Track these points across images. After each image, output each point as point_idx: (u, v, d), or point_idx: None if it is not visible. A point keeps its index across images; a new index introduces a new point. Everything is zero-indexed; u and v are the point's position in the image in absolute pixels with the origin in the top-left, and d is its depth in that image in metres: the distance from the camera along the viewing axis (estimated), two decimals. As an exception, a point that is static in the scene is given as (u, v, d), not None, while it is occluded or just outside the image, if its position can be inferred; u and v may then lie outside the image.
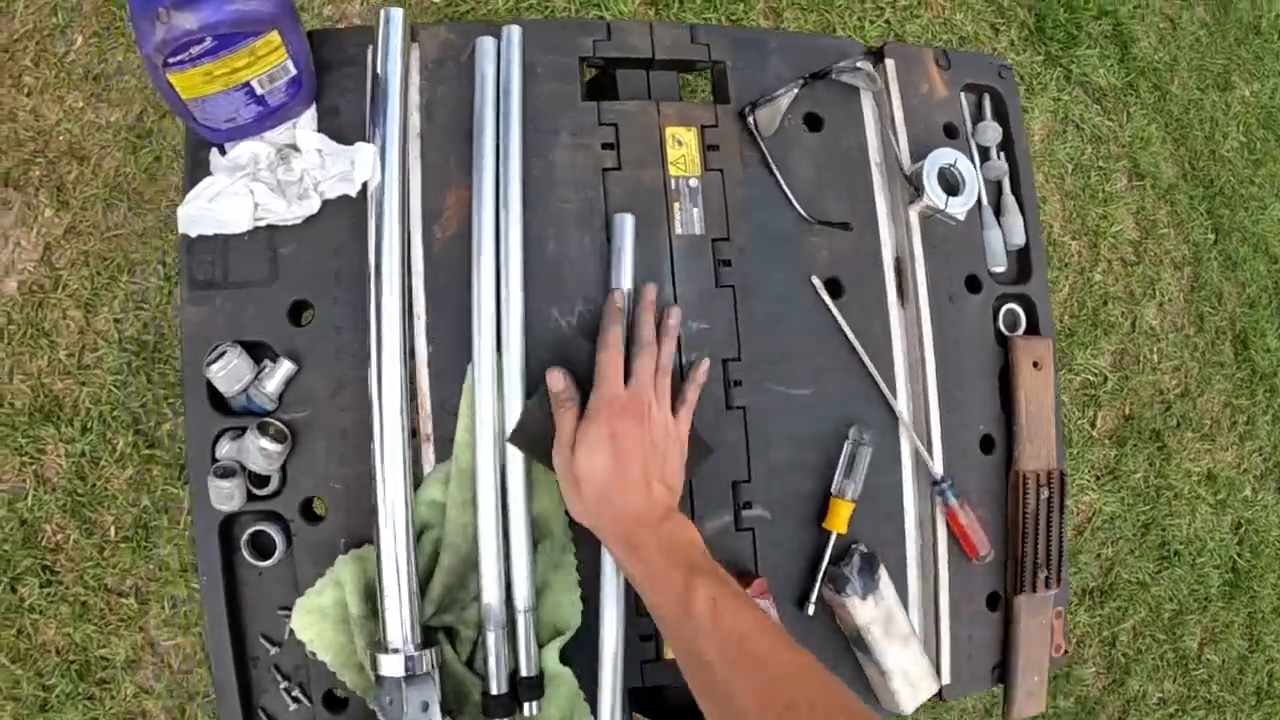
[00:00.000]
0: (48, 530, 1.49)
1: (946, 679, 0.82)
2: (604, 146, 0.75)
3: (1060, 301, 1.99)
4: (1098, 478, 2.00)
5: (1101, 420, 2.02)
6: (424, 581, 0.68)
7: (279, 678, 0.70)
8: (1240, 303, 2.21)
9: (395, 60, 0.69)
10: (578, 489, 0.66)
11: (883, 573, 0.79)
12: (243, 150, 0.70)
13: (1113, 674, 2.02)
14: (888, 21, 1.84)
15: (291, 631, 0.68)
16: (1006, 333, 0.89)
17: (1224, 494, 2.14)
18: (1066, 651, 0.93)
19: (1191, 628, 2.10)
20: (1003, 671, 0.87)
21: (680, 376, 0.74)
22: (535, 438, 0.69)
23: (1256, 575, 2.18)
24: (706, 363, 0.74)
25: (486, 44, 0.72)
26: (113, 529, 1.50)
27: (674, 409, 0.70)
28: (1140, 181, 2.11)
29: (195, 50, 0.60)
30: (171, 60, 0.60)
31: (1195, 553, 2.11)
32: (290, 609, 0.69)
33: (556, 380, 0.68)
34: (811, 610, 0.78)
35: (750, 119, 0.77)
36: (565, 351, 0.72)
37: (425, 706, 0.63)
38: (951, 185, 0.83)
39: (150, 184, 1.55)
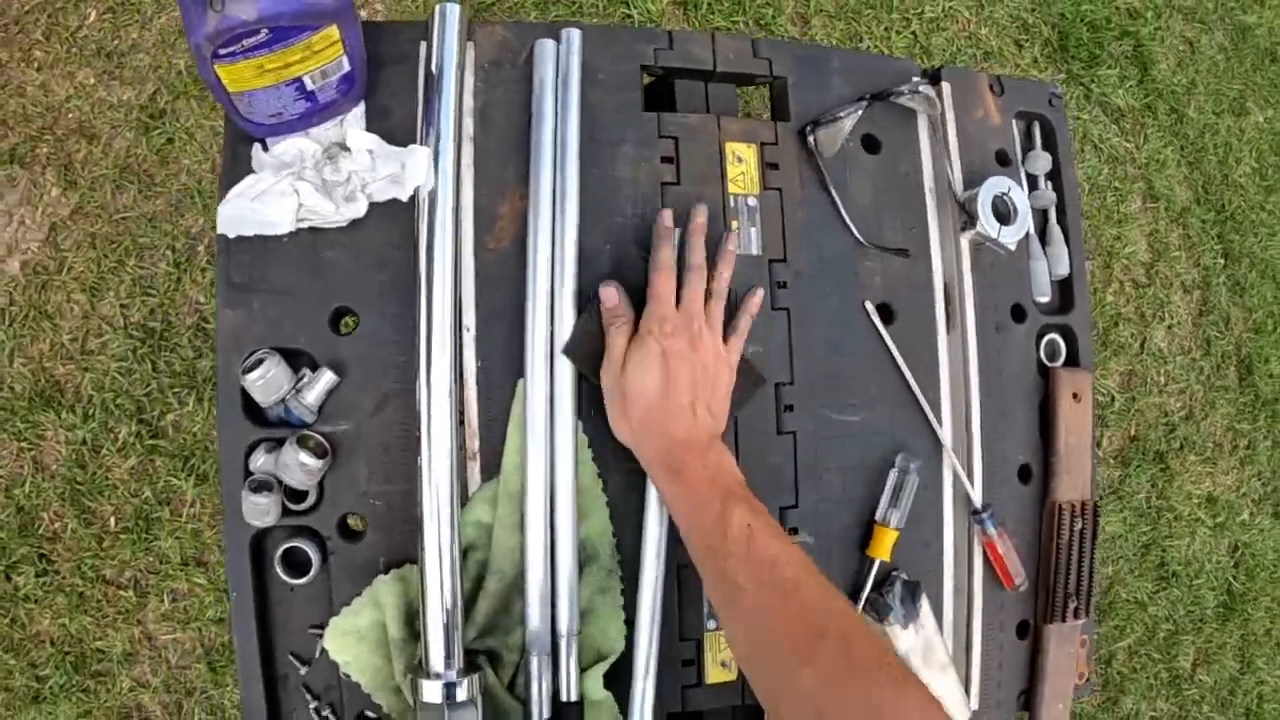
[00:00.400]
0: (45, 519, 1.46)
1: (975, 705, 0.82)
2: (663, 160, 0.73)
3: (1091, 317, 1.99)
4: (1101, 497, 2.00)
5: (1108, 441, 2.02)
6: (467, 604, 0.65)
7: (309, 697, 0.68)
8: (1246, 328, 2.21)
9: (451, 59, 0.67)
10: (624, 408, 0.65)
11: (924, 601, 0.78)
12: (288, 147, 0.67)
13: (1108, 692, 2.03)
14: (914, 33, 1.83)
15: (323, 651, 0.66)
16: (1047, 363, 0.88)
17: (1223, 517, 2.15)
18: (1089, 680, 0.93)
19: (1186, 648, 2.10)
20: (1028, 699, 0.87)
21: (734, 306, 0.73)
22: (587, 353, 0.68)
23: (1250, 598, 2.19)
24: (761, 293, 0.73)
25: (546, 47, 0.70)
26: (112, 519, 1.47)
27: (725, 337, 0.70)
28: (1154, 204, 2.10)
29: (249, 42, 0.57)
30: (222, 51, 0.57)
31: (1193, 574, 2.12)
32: (322, 627, 0.67)
33: (610, 296, 0.68)
34: (851, 640, 0.76)
35: (811, 139, 0.75)
36: (620, 276, 0.71)
37: (466, 734, 0.61)
38: (1003, 214, 0.81)
39: (162, 166, 1.51)
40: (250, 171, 0.67)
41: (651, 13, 1.63)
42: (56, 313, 1.49)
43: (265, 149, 0.67)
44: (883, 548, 0.76)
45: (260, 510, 0.65)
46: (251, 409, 0.67)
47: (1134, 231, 2.07)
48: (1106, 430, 2.01)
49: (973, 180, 0.83)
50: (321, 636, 0.67)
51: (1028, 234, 0.86)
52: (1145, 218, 2.10)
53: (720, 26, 1.69)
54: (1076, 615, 0.87)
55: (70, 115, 1.51)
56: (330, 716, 0.67)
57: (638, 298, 0.69)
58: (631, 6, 1.63)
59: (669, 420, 0.64)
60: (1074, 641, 0.88)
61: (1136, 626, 2.03)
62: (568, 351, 0.68)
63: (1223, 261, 2.19)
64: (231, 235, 0.66)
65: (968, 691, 0.82)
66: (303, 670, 0.68)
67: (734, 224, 0.74)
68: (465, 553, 0.66)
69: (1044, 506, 0.86)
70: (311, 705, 0.67)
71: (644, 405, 0.65)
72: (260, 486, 0.65)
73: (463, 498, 0.67)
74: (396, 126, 0.69)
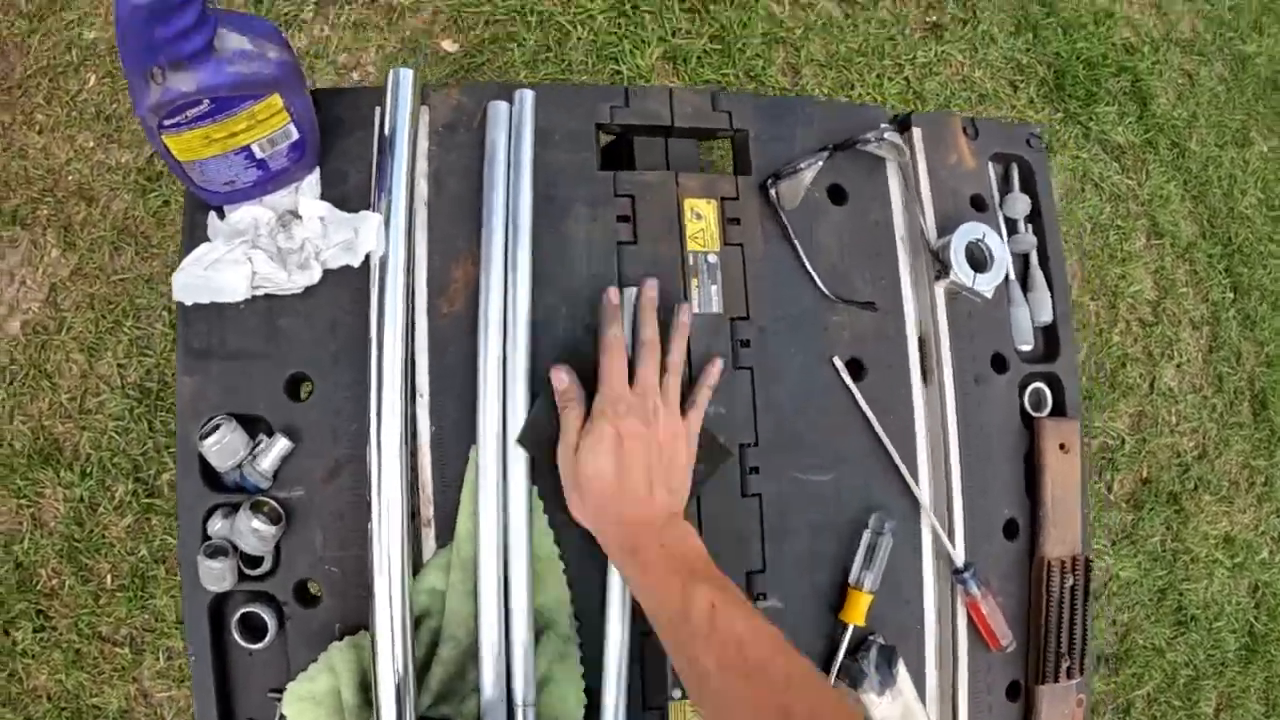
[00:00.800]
0: (43, 575, 1.46)
1: (963, 772, 0.78)
2: (620, 219, 0.72)
3: (1078, 364, 1.96)
4: (1114, 542, 1.95)
5: (1119, 484, 1.97)
6: (421, 671, 0.64)
7: (266, 767, 0.66)
8: (1259, 362, 2.17)
9: (404, 124, 0.67)
10: (580, 492, 0.65)
11: (901, 666, 0.75)
12: (243, 215, 0.68)
13: (1127, 742, 1.96)
14: (906, 79, 1.83)
15: (282, 716, 0.65)
16: (1033, 413, 0.85)
17: (1241, 557, 2.08)
18: (1088, 739, 0.89)
19: (1208, 693, 2.03)
20: (1022, 763, 0.83)
21: (690, 379, 0.72)
22: (541, 439, 0.67)
23: (1274, 639, 2.11)
24: (720, 363, 0.71)
25: (499, 109, 0.70)
26: (109, 577, 1.47)
27: (683, 411, 0.68)
28: (1159, 240, 2.08)
29: (192, 113, 0.58)
30: (167, 122, 0.58)
31: (1212, 617, 2.05)
32: (281, 692, 0.66)
33: (560, 379, 0.67)
34: (826, 706, 0.74)
35: (772, 192, 0.75)
36: (574, 361, 0.69)
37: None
38: (979, 261, 0.80)
39: (158, 228, 1.53)
40: (207, 239, 0.67)
41: (641, 68, 1.64)
42: (55, 372, 1.51)
43: (221, 216, 0.67)
44: (857, 612, 0.74)
45: (216, 575, 0.64)
46: (209, 474, 0.67)
47: (1139, 269, 2.04)
48: (1117, 474, 1.97)
49: (947, 227, 0.81)
50: (280, 701, 0.66)
51: (1006, 280, 0.84)
52: (1150, 255, 2.07)
53: (710, 79, 1.70)
54: (1070, 675, 0.83)
55: (70, 177, 1.55)
56: (287, 788, 0.66)
57: (593, 377, 0.68)
58: (620, 63, 1.64)
59: (624, 504, 0.63)
60: (1069, 701, 0.85)
61: (1155, 674, 1.96)
62: (521, 440, 0.66)
63: (1232, 295, 2.15)
64: (188, 303, 0.66)
65: (954, 757, 0.79)
66: (259, 740, 0.67)
67: (694, 281, 0.73)
68: (419, 620, 0.65)
69: (1032, 563, 0.84)
70: (268, 776, 0.66)
71: (599, 490, 0.64)
72: (216, 552, 0.65)
73: (416, 564, 0.66)
74: (353, 192, 0.69)
